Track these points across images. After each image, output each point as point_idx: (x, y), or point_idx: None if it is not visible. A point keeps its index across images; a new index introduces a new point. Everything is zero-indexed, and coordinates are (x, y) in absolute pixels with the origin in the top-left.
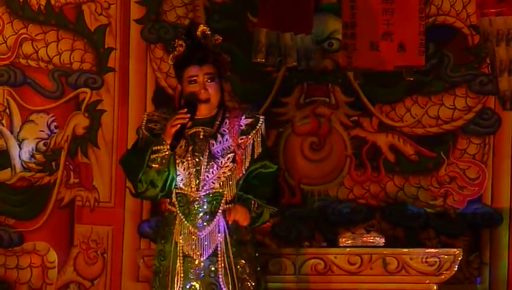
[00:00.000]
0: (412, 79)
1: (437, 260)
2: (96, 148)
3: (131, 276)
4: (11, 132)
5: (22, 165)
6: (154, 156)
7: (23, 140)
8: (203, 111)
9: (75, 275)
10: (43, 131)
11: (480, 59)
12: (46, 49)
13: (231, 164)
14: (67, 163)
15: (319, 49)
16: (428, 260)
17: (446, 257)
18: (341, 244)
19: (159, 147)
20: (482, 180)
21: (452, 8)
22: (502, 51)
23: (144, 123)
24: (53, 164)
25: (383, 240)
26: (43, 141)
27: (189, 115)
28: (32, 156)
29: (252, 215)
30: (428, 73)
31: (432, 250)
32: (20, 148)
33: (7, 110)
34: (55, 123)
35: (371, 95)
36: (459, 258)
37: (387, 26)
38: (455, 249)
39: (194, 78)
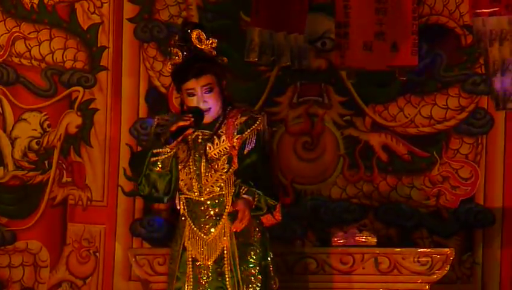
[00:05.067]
0: (404, 79)
1: (429, 259)
2: (89, 147)
3: (123, 275)
4: (4, 131)
5: (15, 163)
6: (154, 159)
7: (15, 139)
8: (206, 120)
9: (68, 274)
10: (35, 130)
11: (473, 59)
12: (39, 47)
13: (227, 165)
14: (59, 162)
15: (312, 48)
16: (420, 259)
17: (438, 256)
18: (333, 244)
19: (159, 150)
20: (475, 180)
21: (445, 8)
22: (494, 51)
23: (153, 126)
24: (46, 162)
25: (375, 240)
26: (36, 140)
27: (192, 119)
28: (24, 154)
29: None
30: (421, 73)
31: (424, 249)
32: (13, 146)
33: None
34: (47, 122)
35: (363, 95)
36: (451, 258)
37: (380, 25)
38: (447, 249)
39: (192, 91)
